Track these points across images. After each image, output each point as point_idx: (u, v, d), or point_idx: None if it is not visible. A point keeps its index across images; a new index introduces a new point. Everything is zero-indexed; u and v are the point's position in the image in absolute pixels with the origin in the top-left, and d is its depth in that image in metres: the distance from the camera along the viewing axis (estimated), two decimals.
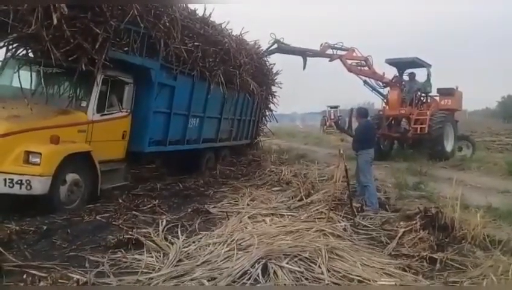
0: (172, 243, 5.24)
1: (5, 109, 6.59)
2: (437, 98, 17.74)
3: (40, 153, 6.12)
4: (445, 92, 17.51)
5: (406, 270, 4.71)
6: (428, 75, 17.33)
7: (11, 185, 5.96)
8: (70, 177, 6.67)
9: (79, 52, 6.44)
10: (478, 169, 13.71)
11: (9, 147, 6.09)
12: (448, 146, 16.48)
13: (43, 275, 3.98)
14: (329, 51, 16.80)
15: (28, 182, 5.99)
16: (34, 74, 7.16)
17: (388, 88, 17.60)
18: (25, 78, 6.97)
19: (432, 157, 14.90)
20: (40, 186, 6.07)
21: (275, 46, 15.82)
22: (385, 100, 17.58)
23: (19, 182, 5.98)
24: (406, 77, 17.71)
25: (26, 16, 5.91)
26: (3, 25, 5.93)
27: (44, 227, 5.51)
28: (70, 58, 6.39)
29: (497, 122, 38.48)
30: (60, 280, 3.80)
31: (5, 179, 5.95)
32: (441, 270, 4.80)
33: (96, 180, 7.10)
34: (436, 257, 5.07)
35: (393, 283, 4.23)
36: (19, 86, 6.83)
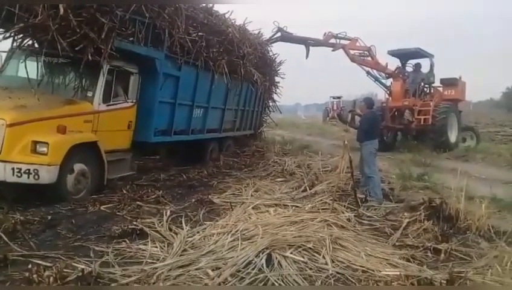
0: (176, 233, 5.25)
1: (12, 99, 6.61)
2: (440, 89, 17.66)
3: (47, 143, 6.13)
4: (448, 82, 17.43)
5: (410, 261, 4.70)
6: (431, 65, 17.23)
7: (19, 174, 5.99)
8: (77, 167, 6.69)
9: (85, 42, 6.42)
10: (482, 160, 13.71)
11: (16, 137, 6.11)
12: (452, 137, 16.43)
13: (48, 264, 3.99)
14: (333, 40, 16.67)
15: (35, 171, 6.01)
16: (40, 64, 7.13)
17: (391, 79, 17.50)
18: (31, 69, 6.96)
19: (435, 148, 14.85)
20: (47, 175, 6.10)
21: (278, 34, 15.71)
22: (388, 91, 17.49)
23: (27, 171, 6.00)
24: (410, 68, 17.62)
25: (32, 5, 5.89)
26: (10, 16, 5.92)
27: (49, 217, 5.54)
28: (76, 48, 6.38)
29: (501, 113, 38.32)
30: (65, 270, 3.81)
31: (13, 169, 5.98)
32: (446, 261, 4.82)
33: (102, 170, 7.13)
34: (441, 247, 5.09)
35: (398, 273, 4.24)
36: (25, 76, 6.82)
